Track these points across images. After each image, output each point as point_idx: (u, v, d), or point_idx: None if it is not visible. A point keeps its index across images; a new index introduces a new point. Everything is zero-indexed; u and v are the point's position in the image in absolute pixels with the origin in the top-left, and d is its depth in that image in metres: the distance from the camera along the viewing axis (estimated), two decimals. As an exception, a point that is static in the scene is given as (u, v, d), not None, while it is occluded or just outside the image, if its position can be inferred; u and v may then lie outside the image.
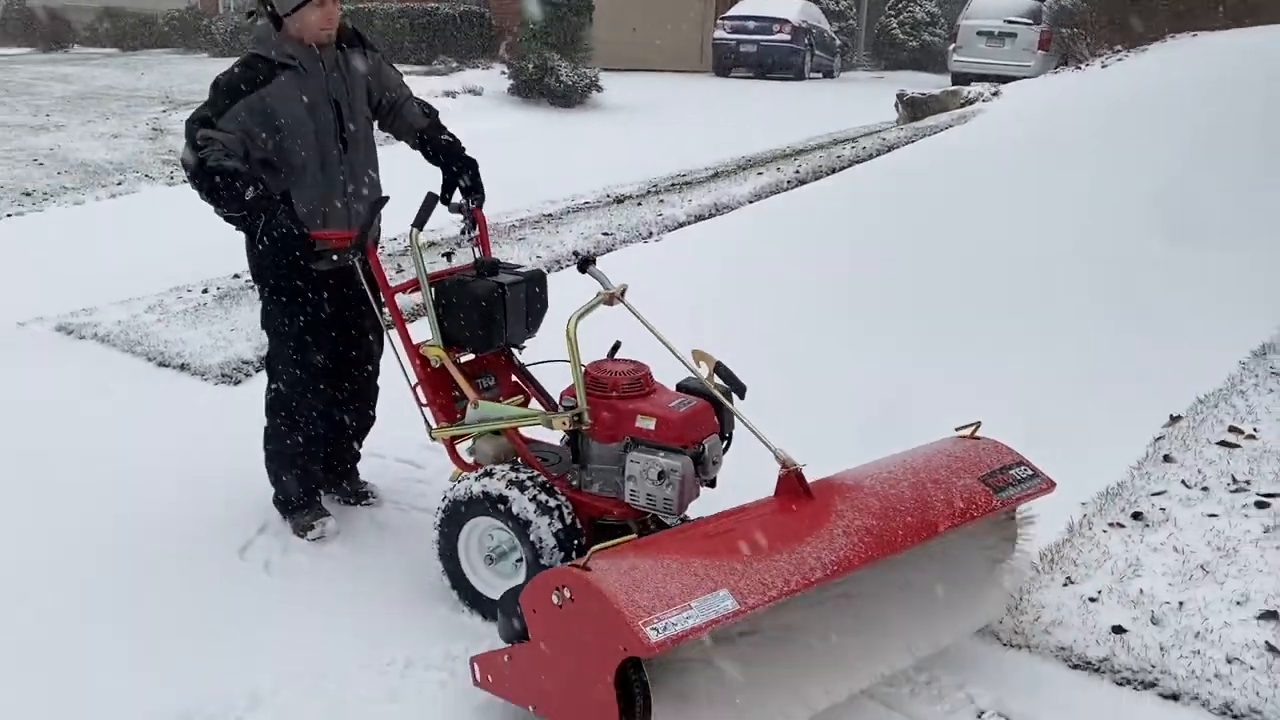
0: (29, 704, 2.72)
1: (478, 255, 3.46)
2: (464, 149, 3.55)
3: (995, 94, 10.57)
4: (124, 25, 26.88)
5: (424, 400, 3.34)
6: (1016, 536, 3.00)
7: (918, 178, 7.89)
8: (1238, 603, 3.00)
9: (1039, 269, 5.84)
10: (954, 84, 14.48)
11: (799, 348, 5.16)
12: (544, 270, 3.66)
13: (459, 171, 3.46)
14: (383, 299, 3.37)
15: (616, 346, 3.25)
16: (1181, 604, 3.01)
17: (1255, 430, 4.06)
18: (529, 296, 3.37)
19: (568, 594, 2.17)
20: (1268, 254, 5.64)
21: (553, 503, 2.91)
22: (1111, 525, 3.46)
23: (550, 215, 8.24)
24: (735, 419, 3.03)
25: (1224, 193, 6.32)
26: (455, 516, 3.07)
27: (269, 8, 3.27)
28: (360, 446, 3.89)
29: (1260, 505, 3.51)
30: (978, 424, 3.05)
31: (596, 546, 2.27)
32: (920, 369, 4.80)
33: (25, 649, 2.94)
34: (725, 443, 3.12)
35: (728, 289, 5.95)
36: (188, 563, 3.42)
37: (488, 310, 3.22)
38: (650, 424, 2.91)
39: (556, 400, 3.29)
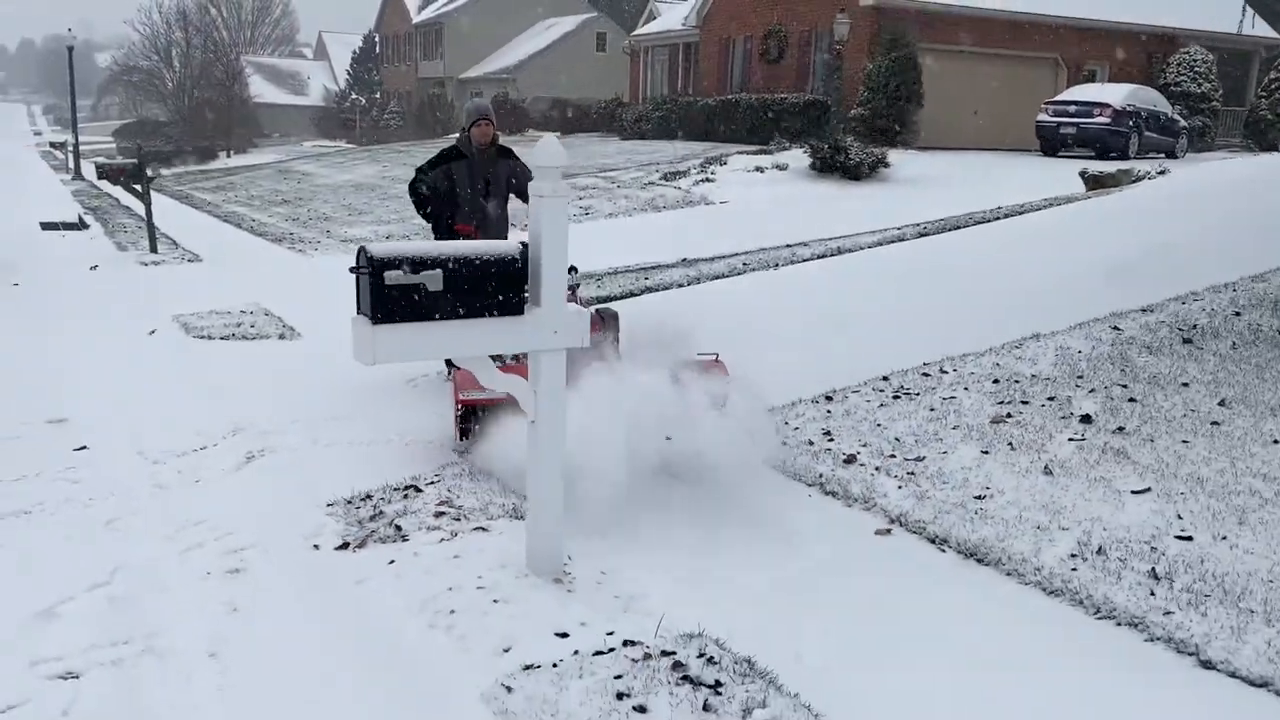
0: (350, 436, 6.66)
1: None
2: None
3: (1162, 172, 12.10)
4: (567, 113, 33.61)
5: None
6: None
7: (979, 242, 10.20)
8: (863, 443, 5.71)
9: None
10: None
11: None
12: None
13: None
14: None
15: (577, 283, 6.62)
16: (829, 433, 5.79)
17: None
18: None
19: (452, 375, 5.65)
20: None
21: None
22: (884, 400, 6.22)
23: (723, 256, 11.50)
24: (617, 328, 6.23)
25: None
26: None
27: (465, 127, 7.02)
28: None
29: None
30: (717, 354, 5.94)
31: None
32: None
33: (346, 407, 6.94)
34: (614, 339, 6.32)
35: (791, 300, 8.94)
36: (390, 381, 7.27)
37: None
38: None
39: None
